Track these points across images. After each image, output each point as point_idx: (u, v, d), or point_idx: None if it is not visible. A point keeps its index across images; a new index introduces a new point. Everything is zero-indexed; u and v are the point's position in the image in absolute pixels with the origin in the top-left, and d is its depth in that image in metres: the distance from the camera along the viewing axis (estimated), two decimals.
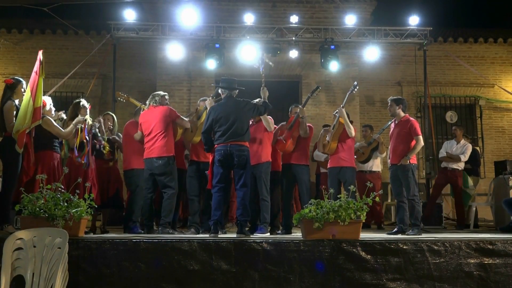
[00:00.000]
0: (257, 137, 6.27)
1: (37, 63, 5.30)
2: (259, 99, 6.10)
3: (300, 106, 6.60)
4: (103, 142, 6.25)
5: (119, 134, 6.74)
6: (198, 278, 4.55)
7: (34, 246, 3.94)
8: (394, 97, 6.58)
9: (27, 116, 5.12)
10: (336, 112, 6.53)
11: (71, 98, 9.86)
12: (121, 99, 7.15)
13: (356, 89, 6.89)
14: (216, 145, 5.58)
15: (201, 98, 6.84)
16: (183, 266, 4.57)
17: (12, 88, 5.36)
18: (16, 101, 5.32)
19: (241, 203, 5.47)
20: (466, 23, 13.66)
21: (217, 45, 9.36)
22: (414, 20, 9.69)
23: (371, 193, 4.92)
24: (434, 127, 10.96)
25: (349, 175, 6.42)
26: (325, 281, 4.60)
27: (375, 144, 7.59)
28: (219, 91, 5.99)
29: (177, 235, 5.59)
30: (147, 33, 9.54)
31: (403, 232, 6.09)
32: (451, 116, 11.71)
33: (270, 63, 6.70)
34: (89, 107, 6.07)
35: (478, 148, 10.23)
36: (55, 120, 5.73)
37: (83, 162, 5.70)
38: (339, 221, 4.71)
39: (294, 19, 9.79)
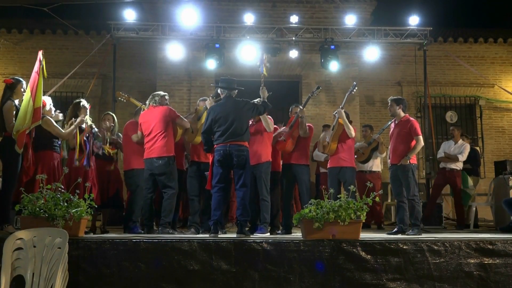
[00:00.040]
0: (257, 137, 6.26)
1: (37, 63, 5.30)
2: (259, 99, 6.10)
3: (300, 106, 6.60)
4: (102, 146, 6.26)
5: (119, 134, 6.74)
6: (198, 278, 4.55)
7: (34, 246, 3.94)
8: (394, 97, 6.58)
9: (27, 117, 5.12)
10: (336, 113, 6.53)
11: (71, 98, 9.85)
12: (122, 99, 7.16)
13: (355, 90, 6.89)
14: (215, 145, 5.58)
15: (201, 98, 6.84)
16: (183, 266, 4.57)
17: (12, 88, 5.36)
18: (16, 101, 5.32)
19: (241, 203, 5.47)
20: (466, 23, 13.67)
21: (217, 45, 9.36)
22: (414, 20, 9.69)
23: (371, 193, 4.92)
24: (434, 127, 10.97)
25: (349, 175, 6.42)
26: (325, 281, 4.60)
27: (375, 144, 7.58)
28: (219, 91, 6.00)
29: (177, 235, 5.59)
30: (147, 33, 9.54)
31: (403, 232, 6.09)
32: (451, 116, 11.71)
33: (268, 64, 6.69)
34: (89, 107, 6.07)
35: (478, 148, 10.24)
36: (55, 121, 5.73)
37: (83, 164, 5.70)
38: (339, 221, 4.71)
39: (294, 19, 9.79)
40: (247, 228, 5.85)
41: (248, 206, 5.51)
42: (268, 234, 6.14)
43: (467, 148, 8.22)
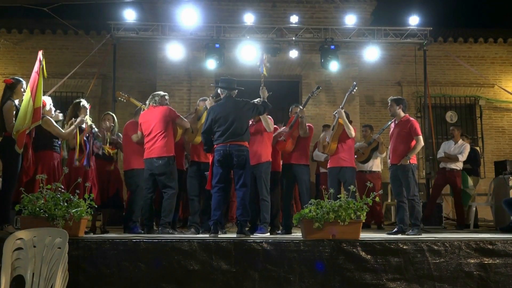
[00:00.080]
0: (257, 137, 6.26)
1: (37, 63, 5.30)
2: (259, 99, 6.10)
3: (300, 106, 6.59)
4: (102, 146, 6.26)
5: (119, 134, 6.74)
6: (198, 278, 4.55)
7: (34, 246, 3.93)
8: (394, 97, 6.58)
9: (27, 117, 5.11)
10: (336, 113, 6.53)
11: (71, 98, 9.85)
12: (122, 99, 7.16)
13: (355, 90, 6.89)
14: (215, 145, 5.58)
15: (201, 98, 6.84)
16: (183, 266, 4.57)
17: (12, 88, 5.36)
18: (16, 101, 5.32)
19: (241, 203, 5.47)
20: (466, 23, 13.67)
21: (217, 45, 9.36)
22: (414, 20, 9.69)
23: (371, 193, 4.92)
24: (434, 127, 10.96)
25: (349, 175, 6.42)
26: (325, 281, 4.60)
27: (375, 144, 7.58)
28: (218, 91, 6.00)
29: (177, 235, 5.59)
30: (147, 33, 9.54)
31: (403, 232, 6.09)
32: (451, 116, 11.72)
33: (268, 64, 6.69)
34: (89, 107, 6.07)
35: (478, 148, 10.24)
36: (55, 121, 5.73)
37: (83, 164, 5.70)
38: (339, 221, 4.71)
39: (294, 19, 9.79)
40: (247, 228, 5.85)
41: (248, 206, 5.51)
42: (268, 234, 6.14)
43: (467, 148, 8.22)
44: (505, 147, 11.82)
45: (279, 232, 6.32)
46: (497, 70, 11.98)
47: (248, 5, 10.30)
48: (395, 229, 6.27)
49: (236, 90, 5.81)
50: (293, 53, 9.80)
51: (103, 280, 4.52)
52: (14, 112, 5.23)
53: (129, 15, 9.43)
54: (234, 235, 5.34)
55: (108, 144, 6.39)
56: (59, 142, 5.76)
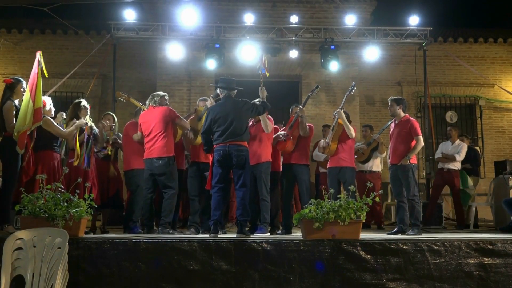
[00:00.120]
0: (257, 137, 6.26)
1: (35, 64, 5.29)
2: (259, 99, 6.10)
3: (300, 106, 6.59)
4: (104, 152, 6.27)
5: (119, 134, 6.74)
6: (198, 278, 4.55)
7: (34, 246, 3.94)
8: (394, 97, 6.58)
9: (27, 117, 5.11)
10: (336, 113, 6.52)
11: (71, 98, 9.86)
12: (121, 99, 7.16)
13: (354, 90, 6.89)
14: (215, 146, 5.58)
15: (201, 98, 6.85)
16: (183, 266, 4.57)
17: (12, 88, 5.35)
18: (16, 101, 5.32)
19: (241, 203, 5.47)
20: (466, 23, 13.67)
21: (217, 45, 9.36)
22: (414, 20, 9.69)
23: (371, 193, 4.92)
24: (434, 127, 10.96)
25: (349, 175, 6.42)
26: (325, 281, 4.60)
27: (375, 144, 7.59)
28: (218, 91, 5.99)
29: (177, 235, 5.59)
30: (147, 33, 9.54)
31: (403, 232, 6.09)
32: (451, 116, 11.72)
33: (266, 66, 6.69)
34: (89, 107, 6.07)
35: (478, 148, 10.24)
36: (58, 122, 5.73)
37: (83, 166, 5.70)
38: (339, 221, 4.71)
39: (294, 19, 9.79)
40: (247, 228, 5.85)
41: (248, 206, 5.51)
42: (268, 234, 6.14)
43: (465, 147, 8.23)
44: (505, 147, 11.82)
45: (279, 232, 6.31)
46: (497, 70, 11.99)
47: (248, 5, 10.30)
48: (395, 229, 6.27)
49: (236, 90, 5.81)
50: (293, 53, 9.80)
51: (103, 280, 4.52)
52: (14, 112, 5.23)
53: (129, 15, 9.43)
54: (234, 235, 5.34)
55: (108, 143, 6.39)
56: (59, 142, 5.76)
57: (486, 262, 4.75)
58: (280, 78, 10.66)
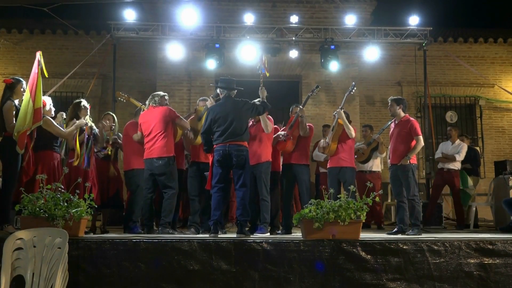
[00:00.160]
0: (257, 137, 6.26)
1: (35, 64, 5.29)
2: (259, 99, 6.10)
3: (300, 106, 6.59)
4: (104, 152, 6.27)
5: (120, 134, 6.74)
6: (198, 278, 4.55)
7: (34, 246, 3.94)
8: (395, 97, 6.58)
9: (27, 117, 5.11)
10: (336, 113, 6.52)
11: (71, 98, 9.86)
12: (121, 99, 7.17)
13: (353, 90, 6.89)
14: (215, 145, 5.58)
15: (200, 98, 6.85)
16: (183, 266, 4.57)
17: (12, 88, 5.35)
18: (16, 101, 5.32)
19: (241, 203, 5.47)
20: (466, 23, 13.67)
21: (217, 45, 9.36)
22: (414, 20, 9.69)
23: (371, 193, 4.92)
24: (434, 127, 10.96)
25: (349, 175, 6.42)
26: (325, 281, 4.60)
27: (375, 144, 7.59)
28: (218, 91, 5.99)
29: (177, 235, 5.59)
30: (147, 33, 9.54)
31: (403, 232, 6.09)
32: (451, 116, 11.72)
33: (266, 66, 6.69)
34: (89, 107, 6.07)
35: (478, 148, 10.24)
36: (58, 122, 5.73)
37: (83, 166, 5.70)
38: (339, 221, 4.71)
39: (294, 19, 9.79)
40: (247, 228, 5.85)
41: (248, 206, 5.51)
42: (268, 234, 6.14)
43: (464, 147, 8.23)
44: (505, 147, 11.83)
45: (279, 232, 6.31)
46: (497, 70, 11.99)
47: (248, 5, 10.30)
48: (395, 229, 6.27)
49: (235, 90, 5.81)
50: (293, 53, 9.80)
51: (103, 280, 4.52)
52: (14, 112, 5.23)
53: (129, 15, 9.43)
54: (234, 235, 5.34)
55: (109, 143, 6.40)
56: (59, 142, 5.76)
57: (486, 262, 4.75)
58: (280, 78, 10.66)
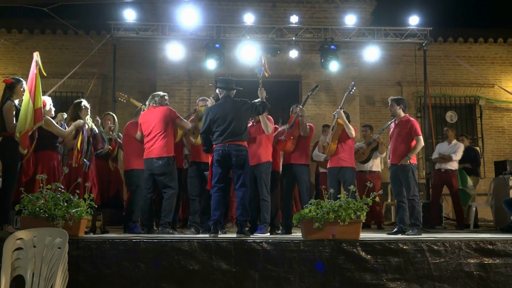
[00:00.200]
0: (257, 137, 6.26)
1: (33, 65, 5.28)
2: (258, 99, 6.09)
3: (300, 106, 6.59)
4: (105, 145, 6.26)
5: (120, 134, 6.75)
6: (198, 278, 4.55)
7: (34, 246, 3.94)
8: (395, 97, 6.58)
9: (28, 118, 5.10)
10: (335, 113, 6.52)
11: (71, 98, 9.87)
12: (122, 99, 7.17)
13: (353, 90, 6.89)
14: (214, 145, 5.58)
15: (200, 98, 6.85)
16: (183, 266, 4.57)
17: (12, 88, 5.35)
18: (16, 101, 5.32)
19: (241, 203, 5.47)
20: (466, 23, 13.68)
21: (217, 45, 9.37)
22: (414, 20, 9.70)
23: (371, 193, 4.92)
24: (434, 127, 10.96)
25: (349, 175, 6.42)
26: (325, 281, 4.60)
27: (375, 144, 7.59)
28: (217, 91, 5.99)
29: (177, 235, 5.59)
30: (147, 33, 9.54)
31: (403, 232, 6.09)
32: (451, 116, 11.72)
33: (266, 66, 6.69)
34: (89, 107, 6.07)
35: (478, 148, 10.24)
36: (58, 121, 5.73)
37: (83, 165, 5.69)
38: (339, 221, 4.71)
39: (294, 19, 9.79)
40: (247, 228, 5.85)
41: (247, 206, 5.51)
42: (268, 234, 6.14)
43: (461, 147, 8.23)
44: (505, 147, 11.83)
45: (279, 232, 6.31)
46: (497, 70, 11.99)
47: (248, 5, 10.30)
48: (395, 229, 6.27)
49: (235, 90, 5.81)
50: (293, 53, 9.80)
51: (103, 280, 4.52)
52: (14, 112, 5.23)
53: (129, 15, 9.43)
54: (234, 235, 5.34)
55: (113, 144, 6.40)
56: (59, 142, 5.76)
57: (486, 262, 4.75)
58: (280, 78, 10.66)
